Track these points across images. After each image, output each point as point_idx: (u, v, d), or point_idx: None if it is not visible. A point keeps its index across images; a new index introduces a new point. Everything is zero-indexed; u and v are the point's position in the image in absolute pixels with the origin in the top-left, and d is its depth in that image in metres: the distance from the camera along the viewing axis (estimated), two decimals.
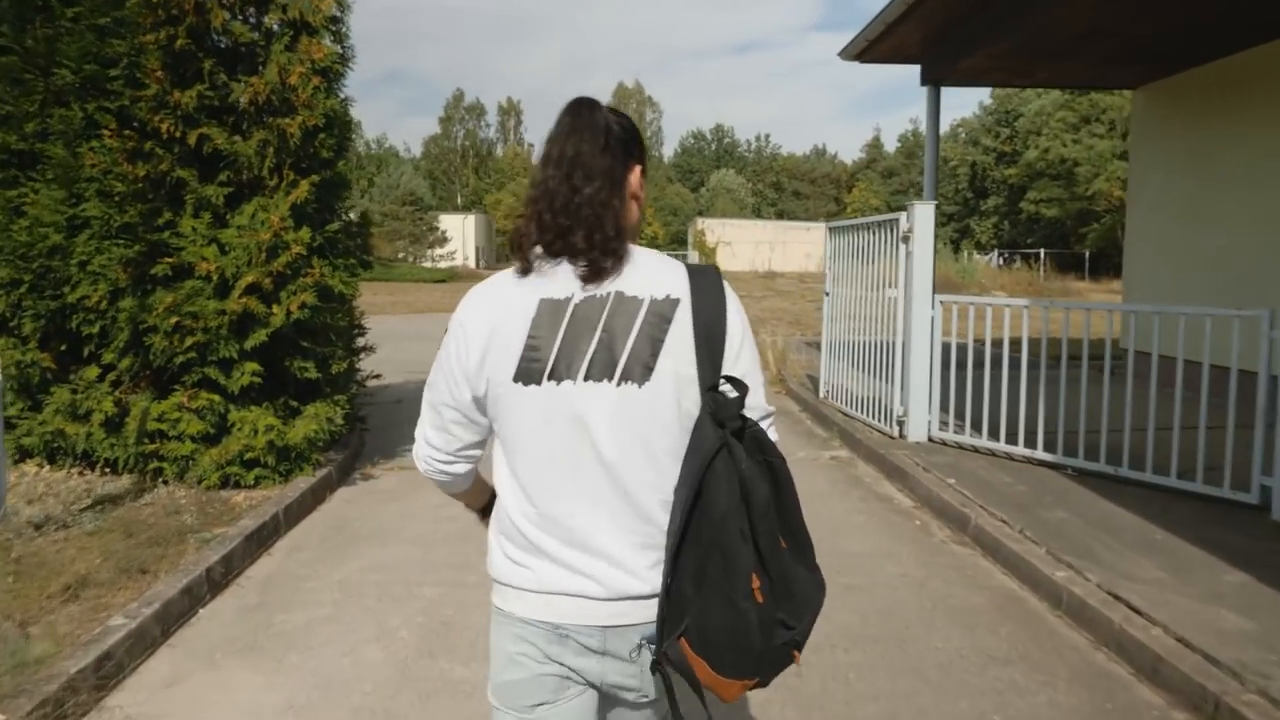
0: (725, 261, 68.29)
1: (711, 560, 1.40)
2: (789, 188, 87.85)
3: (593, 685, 1.55)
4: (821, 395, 8.96)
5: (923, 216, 6.86)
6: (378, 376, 8.20)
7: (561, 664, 1.53)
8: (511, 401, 1.48)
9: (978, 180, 57.58)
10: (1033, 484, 5.76)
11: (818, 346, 12.84)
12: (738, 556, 1.40)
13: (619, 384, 1.44)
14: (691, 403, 1.46)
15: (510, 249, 1.55)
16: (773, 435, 1.56)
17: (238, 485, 5.59)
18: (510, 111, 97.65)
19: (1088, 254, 44.66)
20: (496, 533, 1.59)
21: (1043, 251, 42.08)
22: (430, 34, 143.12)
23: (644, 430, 1.45)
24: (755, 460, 1.45)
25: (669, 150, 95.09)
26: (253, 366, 5.52)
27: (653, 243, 70.76)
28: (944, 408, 7.08)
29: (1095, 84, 12.99)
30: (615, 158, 1.51)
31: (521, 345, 1.45)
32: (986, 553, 4.86)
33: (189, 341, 5.34)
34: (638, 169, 1.58)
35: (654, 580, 1.47)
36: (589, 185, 1.47)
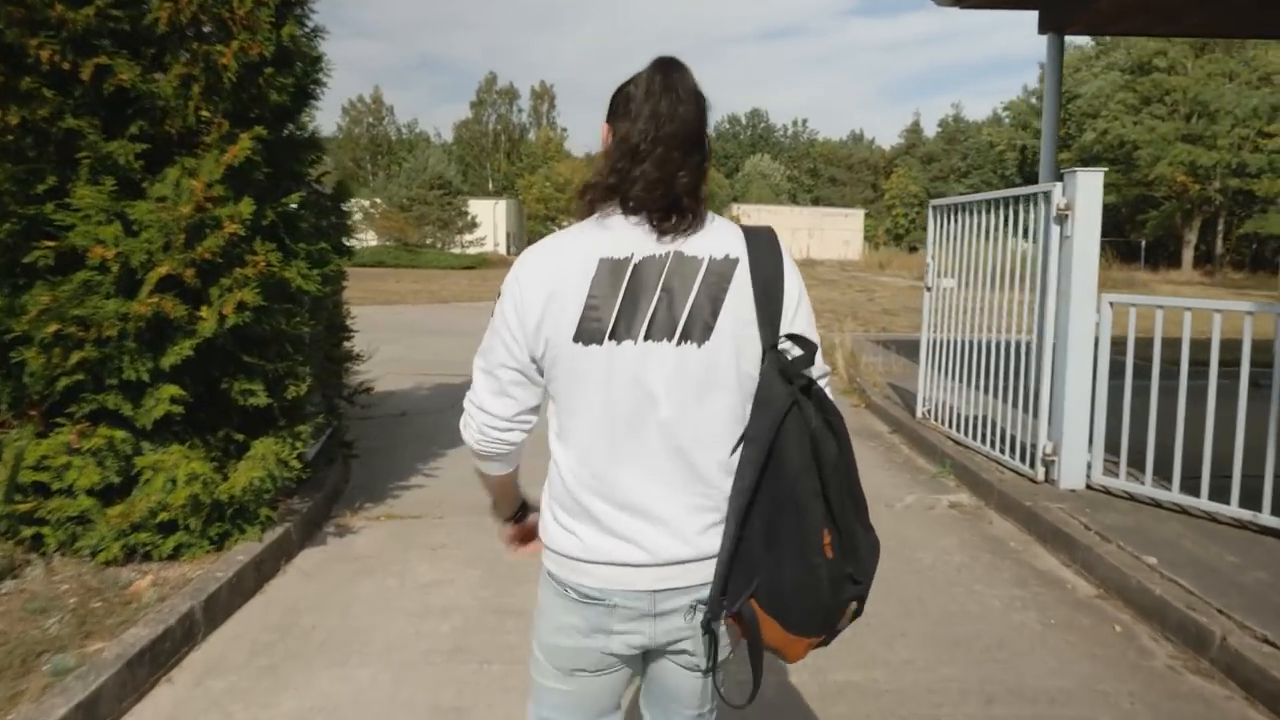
0: None
1: (784, 517, 1.43)
2: (825, 174, 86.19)
3: (638, 652, 1.57)
4: (920, 415, 7.25)
5: (1088, 189, 5.13)
6: (367, 390, 6.61)
7: (608, 635, 1.54)
8: (571, 362, 1.47)
9: (1027, 165, 55.14)
10: (1275, 568, 4.05)
11: (890, 346, 11.19)
12: (810, 513, 1.42)
13: (678, 343, 1.45)
14: (750, 362, 1.48)
15: (579, 204, 1.53)
16: (829, 395, 1.55)
17: (149, 557, 4.02)
18: (543, 96, 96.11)
19: (1144, 243, 42.37)
20: (548, 498, 1.59)
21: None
22: (465, 20, 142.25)
23: (702, 390, 1.46)
24: (822, 418, 1.44)
25: None
26: (171, 391, 3.94)
27: None
28: (1105, 442, 5.35)
29: (1260, 31, 11.00)
30: (703, 120, 1.49)
31: (581, 305, 1.44)
32: (1254, 698, 3.18)
33: (75, 358, 3.77)
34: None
35: (703, 544, 1.49)
36: (680, 145, 1.46)
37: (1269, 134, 35.90)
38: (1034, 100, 55.72)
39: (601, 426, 1.48)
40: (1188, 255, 40.84)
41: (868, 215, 70.70)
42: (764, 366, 1.47)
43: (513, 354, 1.51)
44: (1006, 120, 67.45)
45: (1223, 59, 39.33)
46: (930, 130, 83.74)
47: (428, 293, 23.91)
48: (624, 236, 1.47)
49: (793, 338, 1.49)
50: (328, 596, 4.05)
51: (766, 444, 1.41)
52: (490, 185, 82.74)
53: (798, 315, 1.53)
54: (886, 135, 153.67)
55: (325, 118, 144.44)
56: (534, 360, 1.51)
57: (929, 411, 7.15)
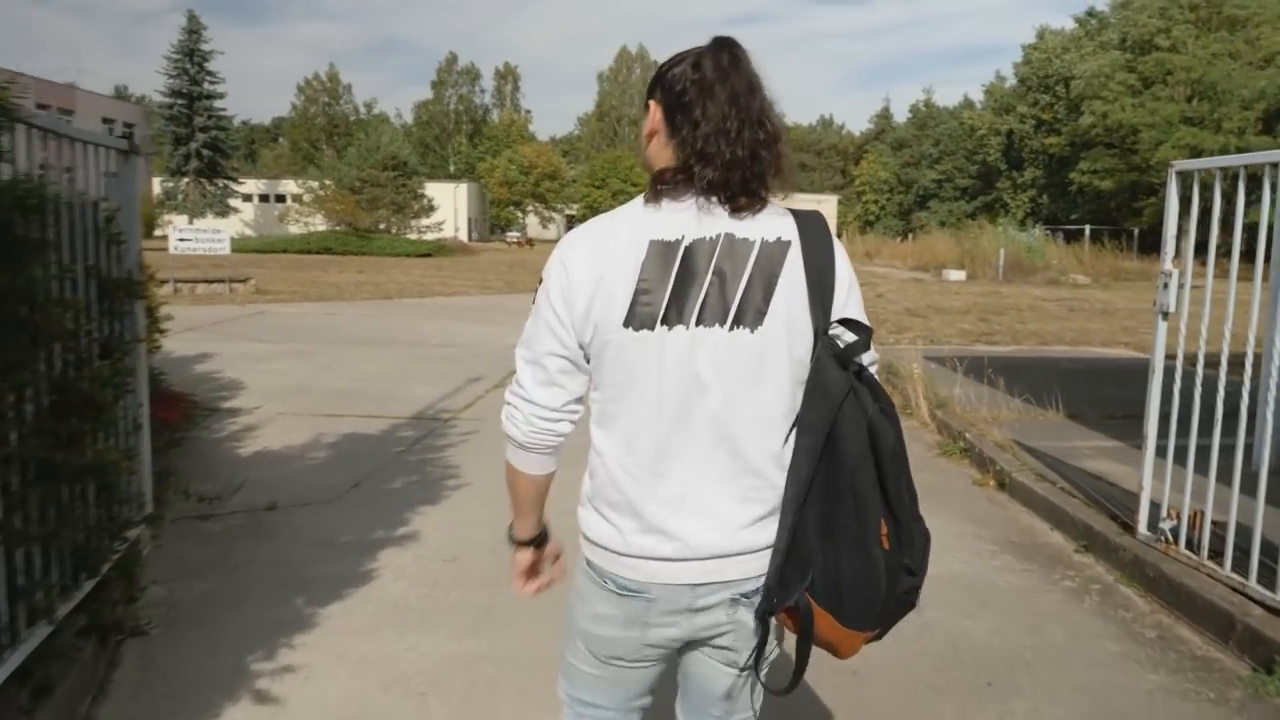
0: None
1: (843, 507, 1.39)
2: (794, 159, 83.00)
3: (677, 646, 1.54)
4: (1152, 533, 4.42)
5: None
6: (149, 515, 3.70)
7: (645, 628, 1.50)
8: (621, 348, 1.42)
9: (1013, 150, 52.96)
10: None
11: (956, 366, 7.86)
12: (870, 502, 1.38)
13: (731, 328, 1.41)
14: (803, 348, 1.44)
15: (650, 190, 1.47)
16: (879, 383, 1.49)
17: None
18: (507, 76, 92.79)
19: (1138, 231, 40.20)
20: (589, 487, 1.54)
21: (1088, 228, 37.46)
22: (427, 3, 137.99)
23: (755, 377, 1.43)
24: (878, 406, 1.40)
25: None
26: None
27: None
28: None
29: None
30: (766, 100, 1.46)
31: (632, 289, 1.40)
32: None
33: None
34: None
35: (748, 538, 1.46)
36: (759, 125, 1.43)
37: None
38: (1020, 86, 53.50)
39: (650, 414, 1.44)
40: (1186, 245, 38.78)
41: (840, 201, 68.42)
42: (817, 352, 1.43)
43: (561, 340, 1.45)
44: (980, 105, 65.52)
45: (1226, 38, 37.28)
46: (901, 116, 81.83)
47: (371, 285, 20.81)
48: (673, 218, 1.43)
49: (846, 323, 1.46)
50: None
51: (824, 432, 1.39)
52: (451, 168, 79.41)
53: (850, 300, 1.48)
54: (856, 121, 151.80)
55: (280, 98, 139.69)
56: (582, 347, 1.46)
57: (1174, 530, 4.06)
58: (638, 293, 1.40)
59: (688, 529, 1.45)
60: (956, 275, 25.07)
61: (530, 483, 1.57)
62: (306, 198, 46.37)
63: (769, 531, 1.46)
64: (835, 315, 1.45)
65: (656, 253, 1.40)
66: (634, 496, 1.46)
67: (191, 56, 51.09)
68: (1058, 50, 49.93)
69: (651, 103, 1.51)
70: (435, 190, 52.68)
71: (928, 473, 5.73)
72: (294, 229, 45.31)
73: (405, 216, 47.91)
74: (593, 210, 43.55)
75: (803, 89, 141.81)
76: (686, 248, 1.41)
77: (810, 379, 1.42)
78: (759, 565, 1.46)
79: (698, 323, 1.40)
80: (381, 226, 45.26)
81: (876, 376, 1.49)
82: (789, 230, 1.45)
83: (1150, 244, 38.06)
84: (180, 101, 50.99)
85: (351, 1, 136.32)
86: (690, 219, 1.42)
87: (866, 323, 1.49)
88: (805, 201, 54.38)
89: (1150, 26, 38.12)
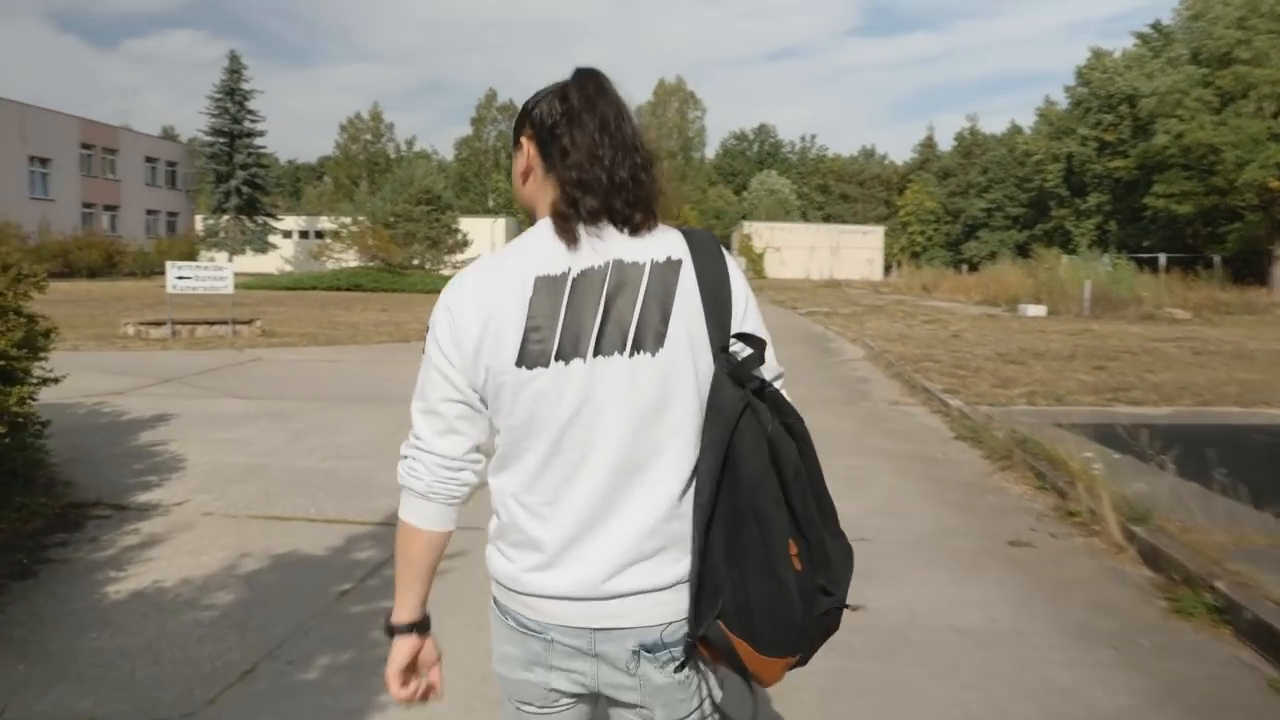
0: (775, 269, 61.88)
1: (746, 530, 1.35)
2: (836, 190, 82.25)
3: (586, 693, 1.48)
4: None
5: None
6: None
7: (548, 670, 1.45)
8: (516, 388, 1.39)
9: (1074, 175, 50.27)
10: None
11: (1127, 444, 5.49)
12: (774, 522, 1.34)
13: (631, 354, 1.38)
14: (707, 369, 1.41)
15: (543, 218, 1.46)
16: (787, 397, 1.46)
17: None
18: None
19: (1218, 259, 37.32)
20: (492, 532, 1.50)
21: (1163, 256, 34.66)
22: (471, 45, 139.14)
23: (660, 402, 1.39)
24: (779, 421, 1.38)
25: (710, 151, 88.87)
26: None
27: None
28: None
29: None
30: (637, 126, 1.47)
31: (521, 327, 1.38)
32: None
33: None
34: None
35: (652, 574, 1.40)
36: (632, 148, 1.44)
37: None
38: (1076, 108, 50.91)
39: (549, 451, 1.40)
40: (1278, 272, 35.86)
41: (886, 232, 66.18)
42: (715, 371, 1.40)
43: (455, 385, 1.43)
44: (1029, 130, 63.00)
45: None
46: (945, 145, 79.50)
47: (391, 326, 18.98)
48: (558, 252, 1.41)
49: (742, 337, 1.44)
50: None
51: (721, 452, 1.35)
52: (490, 203, 78.54)
53: (746, 315, 1.47)
54: (899, 151, 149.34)
55: (326, 138, 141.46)
56: (475, 390, 1.43)
57: None
58: (528, 330, 1.37)
59: (589, 566, 1.39)
60: (1035, 310, 22.62)
61: (425, 542, 1.48)
62: (342, 233, 45.24)
63: (676, 567, 1.41)
64: (734, 331, 1.43)
65: (544, 288, 1.38)
66: (534, 534, 1.42)
67: (232, 95, 50.53)
68: (1119, 69, 47.32)
69: (523, 139, 1.50)
70: (472, 225, 51.25)
71: (1165, 657, 3.60)
72: (330, 265, 44.14)
73: (439, 251, 46.45)
74: None
75: (843, 121, 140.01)
76: (574, 279, 1.39)
77: (709, 399, 1.39)
78: (662, 611, 1.40)
79: (595, 353, 1.38)
80: (415, 262, 43.85)
81: (783, 390, 1.46)
82: (679, 249, 1.43)
83: (1243, 272, 35.30)
84: (221, 140, 50.39)
85: (398, 44, 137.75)
86: (576, 250, 1.40)
87: (766, 336, 1.46)
88: (850, 234, 51.97)
89: (1228, 39, 35.43)
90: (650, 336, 1.37)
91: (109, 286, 32.23)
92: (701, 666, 1.43)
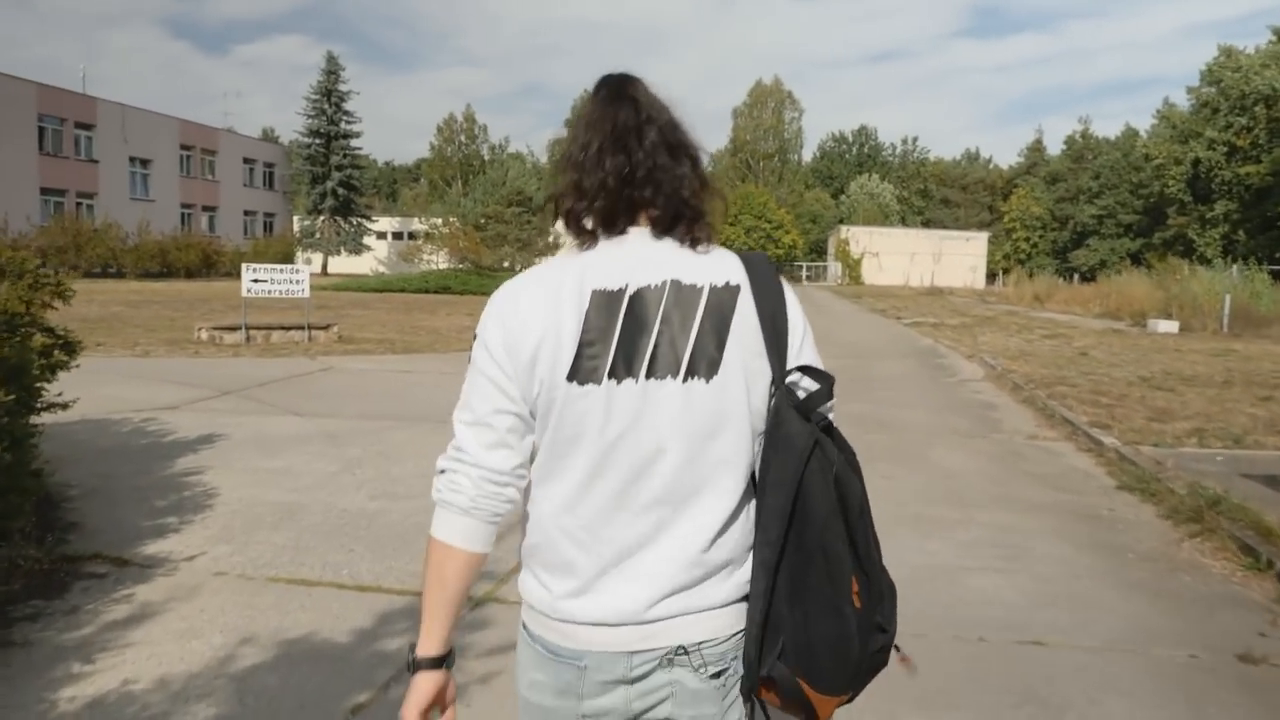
0: (872, 275, 59.68)
1: (813, 568, 1.31)
2: (937, 195, 79.48)
3: None
4: None
5: None
6: None
7: (579, 699, 1.37)
8: (566, 404, 1.33)
9: (1200, 181, 46.90)
10: None
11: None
12: (842, 561, 1.31)
13: (685, 380, 1.33)
14: (760, 398, 1.36)
15: (568, 227, 1.42)
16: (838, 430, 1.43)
17: None
18: None
19: None
20: (526, 552, 1.43)
21: None
22: (569, 49, 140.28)
23: (711, 430, 1.34)
24: (844, 457, 1.34)
25: (808, 153, 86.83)
26: None
27: (790, 252, 62.80)
28: None
29: None
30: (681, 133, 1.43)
31: (575, 341, 1.32)
32: None
33: None
34: None
35: (700, 599, 1.35)
36: (664, 153, 1.39)
37: None
38: (1203, 109, 47.46)
39: (594, 472, 1.34)
40: None
41: (990, 239, 63.30)
42: (775, 403, 1.35)
43: (509, 396, 1.35)
44: (1145, 133, 59.40)
45: None
46: (1054, 148, 75.84)
47: (462, 332, 18.28)
48: (615, 265, 1.36)
49: (806, 370, 1.39)
50: None
51: (793, 491, 1.30)
52: None
53: (804, 346, 1.42)
54: (1004, 155, 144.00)
55: (424, 140, 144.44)
56: (528, 402, 1.36)
57: None
58: (583, 345, 1.32)
59: (628, 592, 1.34)
60: (1167, 327, 20.57)
61: (462, 563, 1.37)
62: (433, 235, 45.28)
63: (719, 591, 1.36)
64: (791, 362, 1.38)
65: (600, 302, 1.33)
66: (571, 558, 1.36)
67: (329, 97, 51.23)
68: (1255, 66, 43.87)
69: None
70: (562, 226, 50.79)
71: None
72: (421, 267, 44.21)
73: (530, 254, 46.03)
74: (726, 246, 40.26)
75: (946, 124, 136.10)
76: (631, 296, 1.34)
77: (770, 432, 1.34)
78: (701, 629, 1.36)
79: (648, 375, 1.33)
80: (505, 264, 43.53)
81: (835, 424, 1.41)
82: (737, 274, 1.39)
83: None
84: (318, 141, 51.14)
85: (495, 48, 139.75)
86: (633, 264, 1.36)
87: (821, 367, 1.42)
88: (953, 239, 49.43)
89: None
90: (705, 362, 1.33)
91: (203, 287, 32.57)
92: (755, 707, 1.37)
